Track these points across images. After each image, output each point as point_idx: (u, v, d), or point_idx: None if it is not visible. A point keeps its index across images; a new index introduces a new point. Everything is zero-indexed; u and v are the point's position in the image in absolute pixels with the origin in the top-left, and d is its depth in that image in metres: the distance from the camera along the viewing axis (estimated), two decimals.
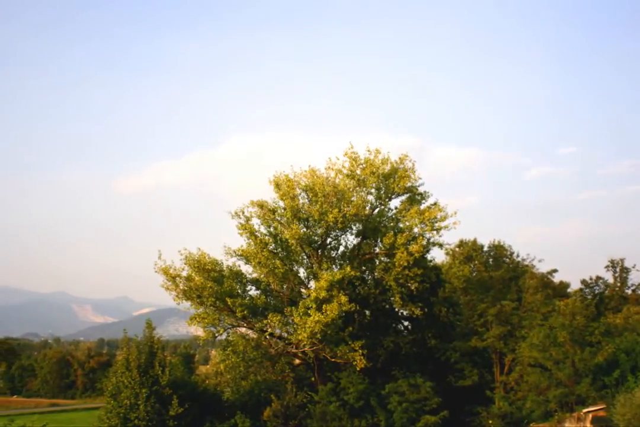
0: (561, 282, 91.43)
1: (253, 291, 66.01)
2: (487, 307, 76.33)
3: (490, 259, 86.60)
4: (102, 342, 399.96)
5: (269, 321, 60.71)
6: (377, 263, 67.08)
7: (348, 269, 60.58)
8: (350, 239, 68.17)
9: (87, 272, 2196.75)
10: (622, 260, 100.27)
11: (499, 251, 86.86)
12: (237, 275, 64.71)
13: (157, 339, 59.97)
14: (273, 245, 64.39)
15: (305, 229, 63.68)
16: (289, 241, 62.19)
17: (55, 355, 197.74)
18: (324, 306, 57.50)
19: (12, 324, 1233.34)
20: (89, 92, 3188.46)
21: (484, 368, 76.79)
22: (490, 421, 65.44)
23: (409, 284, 64.27)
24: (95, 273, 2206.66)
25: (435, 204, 66.41)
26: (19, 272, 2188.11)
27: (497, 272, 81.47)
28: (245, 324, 64.82)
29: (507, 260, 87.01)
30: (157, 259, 62.66)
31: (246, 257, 63.95)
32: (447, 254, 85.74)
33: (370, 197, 67.15)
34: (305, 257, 66.03)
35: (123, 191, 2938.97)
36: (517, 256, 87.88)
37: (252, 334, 66.49)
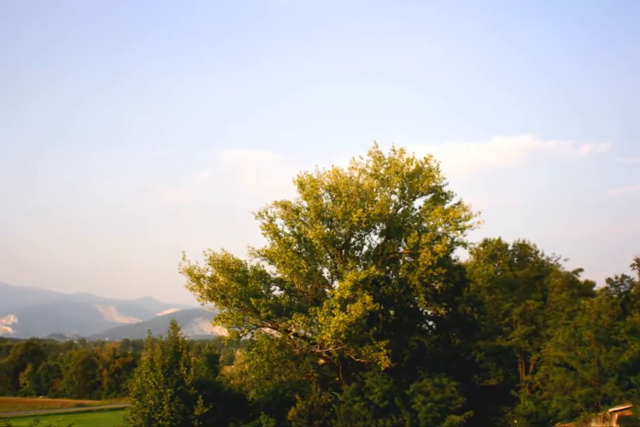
0: (586, 281, 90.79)
1: (277, 291, 66.02)
2: (512, 307, 75.97)
3: (515, 258, 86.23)
4: (126, 342, 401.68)
5: (293, 321, 60.68)
6: (401, 263, 66.87)
7: (373, 268, 60.48)
8: (374, 239, 68.13)
9: (112, 273, 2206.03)
10: None
11: (523, 250, 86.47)
12: (261, 275, 64.73)
13: (181, 339, 60.13)
14: (297, 245, 64.32)
15: (329, 229, 63.63)
16: (313, 240, 62.16)
17: (81, 356, 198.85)
18: (348, 305, 57.40)
19: (38, 325, 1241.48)
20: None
21: (509, 368, 76.44)
22: (516, 421, 65.10)
23: (433, 284, 64.17)
24: (120, 274, 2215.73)
25: (459, 203, 66.19)
26: (44, 274, 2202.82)
27: (521, 271, 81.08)
28: (269, 324, 64.83)
29: (532, 259, 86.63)
30: (182, 259, 62.87)
31: (270, 257, 63.92)
32: (471, 253, 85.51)
33: (394, 197, 67.07)
34: (329, 257, 65.96)
35: (152, 194, 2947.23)
36: (542, 254, 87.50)
37: (276, 334, 66.48)
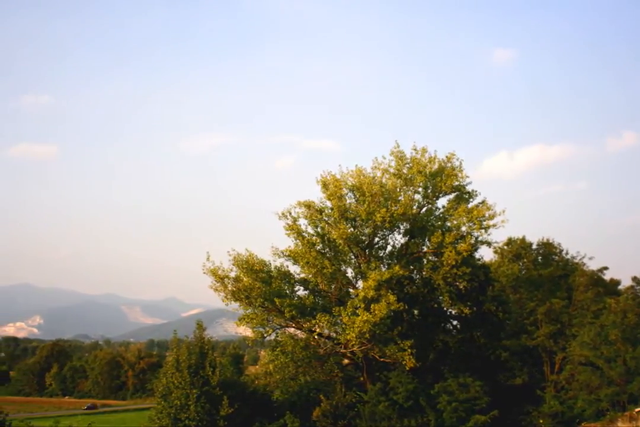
0: (612, 280, 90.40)
1: (301, 291, 66.07)
2: (537, 306, 75.79)
3: (540, 257, 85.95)
4: (151, 343, 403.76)
5: (318, 321, 60.67)
6: (425, 262, 66.78)
7: (397, 268, 60.45)
8: (398, 238, 68.04)
9: (137, 274, 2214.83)
10: None
11: (548, 249, 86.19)
12: (285, 275, 64.76)
13: (207, 339, 60.28)
14: (320, 245, 64.35)
15: (352, 229, 63.62)
16: (337, 240, 62.19)
17: (106, 356, 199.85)
18: (372, 305, 57.34)
19: (64, 325, 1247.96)
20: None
21: (534, 367, 76.23)
22: (541, 420, 64.90)
23: (458, 283, 64.03)
24: (145, 275, 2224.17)
25: (483, 202, 66.00)
26: (71, 275, 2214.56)
27: (546, 270, 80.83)
28: (293, 325, 64.83)
29: (557, 258, 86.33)
30: (206, 260, 62.97)
31: (294, 257, 63.97)
32: (495, 252, 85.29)
33: (418, 196, 67.00)
34: (352, 257, 65.94)
35: (178, 194, 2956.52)
36: (567, 253, 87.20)
37: (300, 334, 66.50)
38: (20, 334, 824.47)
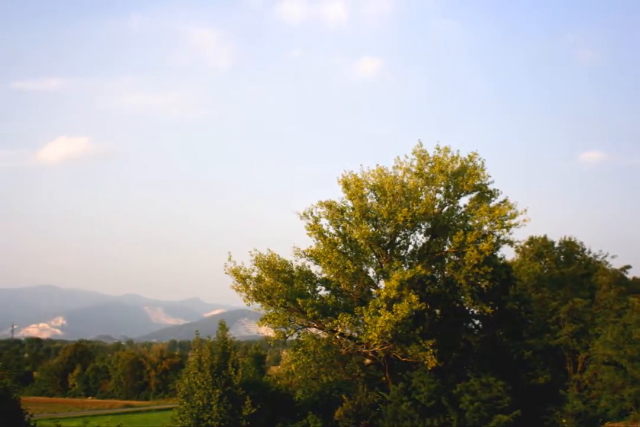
0: (635, 278, 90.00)
1: (323, 291, 66.07)
2: (559, 305, 75.55)
3: (562, 256, 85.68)
4: (174, 343, 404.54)
5: (339, 321, 60.61)
6: (447, 261, 66.69)
7: (419, 268, 60.47)
8: (420, 238, 67.94)
9: (159, 275, 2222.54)
10: None
11: (570, 247, 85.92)
12: (307, 275, 64.78)
13: (230, 340, 60.42)
14: (342, 245, 64.34)
15: (374, 229, 63.58)
16: (358, 240, 62.20)
17: (129, 357, 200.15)
18: (394, 305, 57.35)
19: (86, 326, 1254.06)
20: None
21: (557, 366, 75.96)
22: (564, 420, 64.60)
23: (480, 282, 63.93)
24: (166, 275, 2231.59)
25: (505, 201, 65.86)
26: (93, 276, 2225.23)
27: (568, 269, 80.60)
28: (315, 325, 64.84)
29: (579, 256, 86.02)
30: (227, 260, 63.10)
31: (316, 257, 64.00)
32: (517, 251, 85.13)
33: (439, 196, 66.83)
34: (374, 256, 65.90)
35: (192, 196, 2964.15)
36: (589, 252, 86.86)
37: (322, 335, 66.57)
38: (44, 335, 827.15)
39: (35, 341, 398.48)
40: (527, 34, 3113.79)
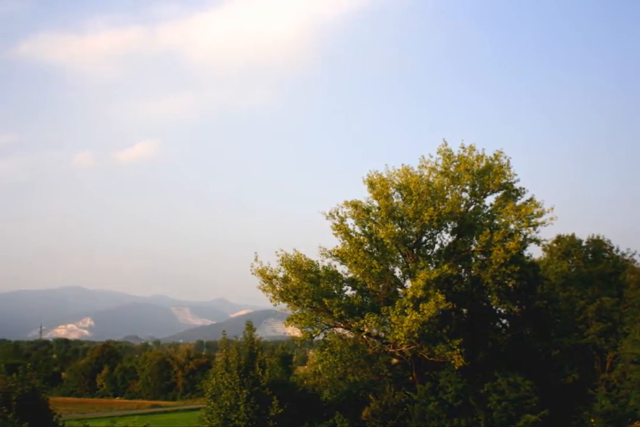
0: None
1: (349, 291, 66.05)
2: (587, 304, 75.11)
3: (589, 254, 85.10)
4: (200, 344, 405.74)
5: (366, 321, 60.51)
6: (474, 261, 66.50)
7: (445, 267, 60.35)
8: (446, 237, 67.70)
9: (186, 276, 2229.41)
10: None
11: (597, 246, 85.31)
12: (333, 275, 64.77)
13: (257, 340, 60.52)
14: (368, 245, 64.26)
15: (400, 228, 63.43)
16: (384, 240, 62.05)
17: (156, 357, 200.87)
18: (420, 304, 57.22)
19: (114, 327, 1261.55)
20: None
21: (585, 366, 75.52)
22: (592, 420, 64.23)
23: (507, 282, 63.69)
24: (193, 276, 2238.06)
25: (531, 199, 65.62)
26: (121, 277, 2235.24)
27: (596, 268, 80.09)
28: (342, 324, 64.79)
29: (607, 255, 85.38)
30: (254, 260, 63.22)
31: (342, 257, 63.93)
32: (544, 250, 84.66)
33: (465, 195, 66.64)
34: (400, 256, 65.75)
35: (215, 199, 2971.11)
36: (617, 250, 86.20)
37: (349, 334, 66.58)
38: (72, 336, 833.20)
39: (64, 342, 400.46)
40: None
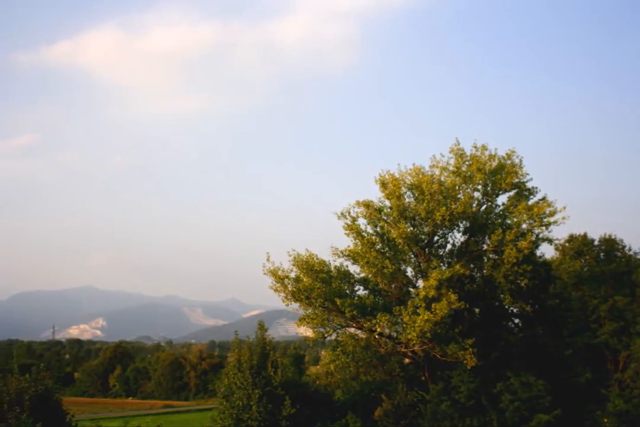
0: None
1: (361, 291, 66.06)
2: (600, 303, 74.84)
3: (602, 254, 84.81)
4: (213, 344, 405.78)
5: (378, 321, 60.45)
6: (486, 260, 66.35)
7: (457, 267, 60.23)
8: (458, 237, 67.60)
9: (198, 276, 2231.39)
10: None
11: (610, 245, 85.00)
12: (345, 275, 64.75)
13: (269, 340, 60.50)
14: (380, 244, 64.21)
15: (412, 228, 63.32)
16: (396, 240, 61.94)
17: (168, 357, 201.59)
18: (433, 304, 57.13)
19: (126, 327, 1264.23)
20: None
21: (597, 365, 75.25)
22: (605, 420, 64.00)
23: (519, 281, 63.48)
24: (205, 276, 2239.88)
25: (543, 199, 65.39)
26: (133, 277, 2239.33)
27: (608, 267, 79.80)
28: (354, 324, 64.76)
29: (619, 254, 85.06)
30: (266, 261, 63.25)
31: (354, 257, 63.89)
32: (556, 249, 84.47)
33: (477, 194, 66.44)
34: (412, 256, 65.62)
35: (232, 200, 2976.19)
36: (629, 249, 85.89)
37: (361, 334, 66.56)
38: (84, 336, 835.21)
39: (76, 342, 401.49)
40: None
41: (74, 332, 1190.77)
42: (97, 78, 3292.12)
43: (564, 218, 64.27)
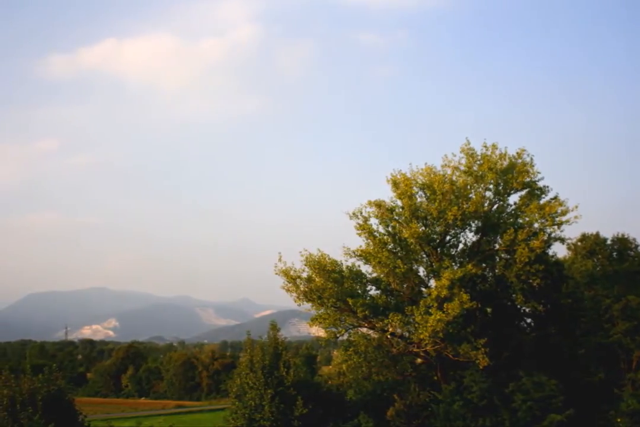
0: None
1: (373, 291, 65.98)
2: (612, 302, 74.64)
3: (614, 253, 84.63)
4: (225, 344, 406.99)
5: (390, 321, 60.46)
6: (498, 260, 66.28)
7: (469, 266, 60.19)
8: (470, 236, 67.52)
9: (210, 276, 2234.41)
10: None
11: (623, 244, 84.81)
12: (357, 275, 64.65)
13: (281, 340, 60.57)
14: (392, 244, 64.16)
15: (423, 228, 63.29)
16: (408, 239, 61.89)
17: (181, 358, 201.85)
18: (445, 304, 57.11)
19: (139, 328, 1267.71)
20: None
21: (610, 365, 75.04)
22: (619, 419, 63.81)
23: (531, 280, 63.35)
24: (217, 276, 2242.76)
25: (555, 198, 65.25)
26: (145, 278, 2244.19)
27: (621, 266, 79.62)
28: (366, 324, 64.77)
29: (632, 253, 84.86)
30: (277, 261, 63.26)
31: (365, 257, 63.82)
32: (568, 248, 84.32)
33: (489, 194, 66.28)
34: (424, 255, 65.56)
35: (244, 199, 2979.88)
36: None
37: (373, 334, 66.59)
38: (97, 337, 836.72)
39: (89, 343, 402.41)
40: None
41: (86, 332, 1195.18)
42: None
43: (576, 217, 64.25)
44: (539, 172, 65.69)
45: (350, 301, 60.27)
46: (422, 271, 66.35)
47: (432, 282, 64.21)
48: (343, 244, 65.49)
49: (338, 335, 66.00)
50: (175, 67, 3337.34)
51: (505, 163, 65.45)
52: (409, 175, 65.12)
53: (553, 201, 64.85)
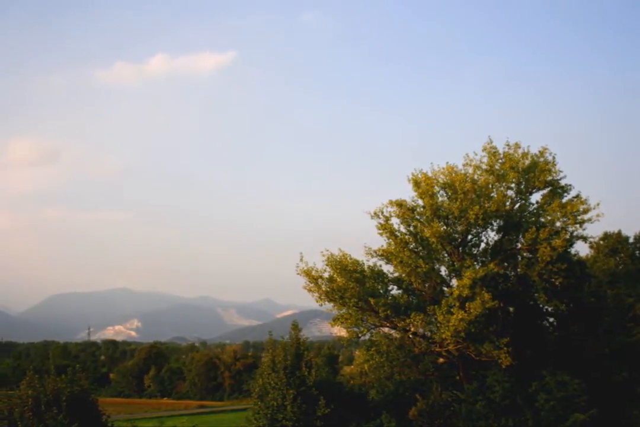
0: None
1: (395, 291, 65.87)
2: (635, 301, 74.33)
3: (637, 251, 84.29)
4: (247, 344, 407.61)
5: (412, 320, 60.29)
6: (520, 259, 66.00)
7: (491, 265, 60.03)
8: (491, 235, 67.25)
9: (231, 277, 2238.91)
10: None
11: None
12: (379, 275, 64.55)
13: (303, 340, 60.53)
14: (413, 244, 64.06)
15: (445, 227, 63.11)
16: (430, 239, 61.79)
17: (203, 358, 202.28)
18: (467, 303, 56.96)
19: (161, 328, 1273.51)
20: None
21: (634, 364, 74.69)
22: None
23: (553, 280, 63.04)
24: (239, 277, 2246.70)
25: (577, 196, 64.96)
26: (167, 279, 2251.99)
27: None
28: (388, 324, 64.65)
29: None
30: (299, 261, 63.28)
31: (387, 256, 63.78)
32: (591, 247, 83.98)
33: (510, 192, 66.03)
34: (446, 255, 65.42)
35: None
36: None
37: (395, 334, 66.53)
38: (119, 337, 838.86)
39: (111, 343, 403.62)
40: None
41: (109, 333, 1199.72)
42: None
43: (598, 215, 63.89)
44: (561, 171, 65.52)
45: (371, 301, 60.20)
46: (443, 271, 66.22)
47: (454, 282, 64.00)
48: (364, 244, 65.54)
49: (360, 335, 65.95)
50: None
51: (527, 162, 65.26)
52: (430, 174, 65.04)
53: (575, 200, 64.56)
